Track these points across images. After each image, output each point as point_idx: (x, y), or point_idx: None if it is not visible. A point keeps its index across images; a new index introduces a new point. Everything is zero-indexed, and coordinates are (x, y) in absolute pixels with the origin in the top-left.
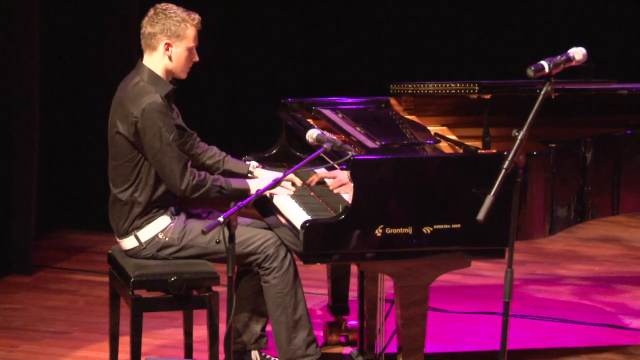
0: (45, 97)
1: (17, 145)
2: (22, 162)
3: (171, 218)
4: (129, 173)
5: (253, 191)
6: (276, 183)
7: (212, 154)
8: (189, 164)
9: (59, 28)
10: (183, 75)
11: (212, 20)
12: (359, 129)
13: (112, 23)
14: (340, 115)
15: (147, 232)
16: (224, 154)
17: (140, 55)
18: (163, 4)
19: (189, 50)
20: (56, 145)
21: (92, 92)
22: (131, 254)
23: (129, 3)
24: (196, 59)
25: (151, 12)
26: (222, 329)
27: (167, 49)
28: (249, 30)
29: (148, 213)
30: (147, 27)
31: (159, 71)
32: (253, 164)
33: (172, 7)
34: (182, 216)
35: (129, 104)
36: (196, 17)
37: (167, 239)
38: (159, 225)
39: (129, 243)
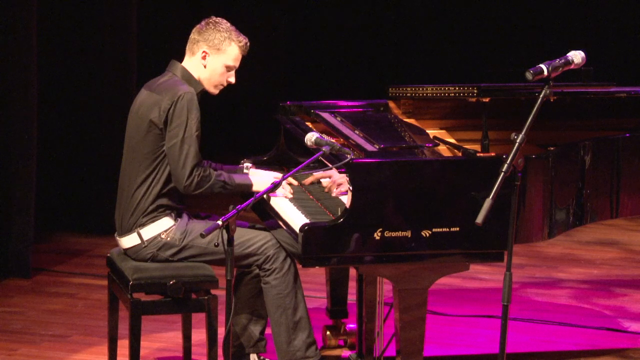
0: (43, 100)
1: (15, 148)
2: (20, 165)
3: (174, 220)
4: (147, 166)
5: (255, 188)
6: (275, 186)
7: (208, 164)
8: (201, 164)
9: (57, 29)
10: (214, 91)
11: None
12: (357, 132)
13: (111, 24)
14: (339, 119)
15: (150, 231)
16: (215, 164)
17: (138, 58)
18: (218, 18)
19: (227, 67)
20: (55, 149)
21: (92, 95)
22: (131, 253)
23: (127, 4)
24: (232, 80)
25: (204, 21)
26: (221, 332)
27: (204, 57)
28: (247, 32)
29: (153, 212)
30: (194, 34)
31: (193, 74)
32: (247, 165)
33: (225, 23)
34: (185, 217)
35: (163, 93)
36: (244, 39)
37: (169, 239)
38: (162, 226)
39: (130, 241)
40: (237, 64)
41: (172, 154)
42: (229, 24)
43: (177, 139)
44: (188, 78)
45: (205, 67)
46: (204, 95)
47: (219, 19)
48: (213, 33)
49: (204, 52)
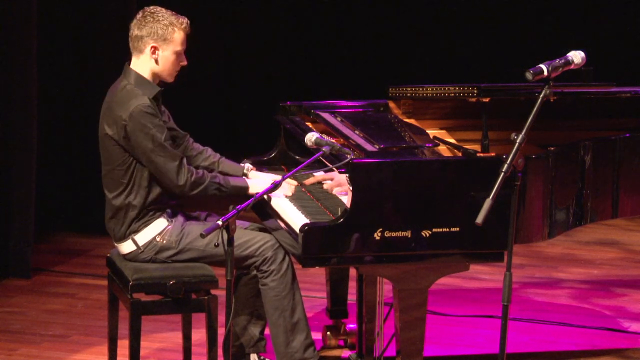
0: (43, 100)
1: (15, 148)
2: (20, 165)
3: (168, 220)
4: (122, 177)
5: (252, 190)
6: (275, 186)
7: (207, 155)
8: (184, 160)
9: (57, 30)
10: (170, 79)
11: (210, 23)
12: (357, 132)
13: (110, 25)
14: (339, 119)
15: (145, 236)
16: (218, 155)
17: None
18: (152, 7)
19: (177, 54)
20: (54, 149)
21: (90, 95)
22: (129, 257)
23: (127, 4)
24: (184, 62)
25: (139, 14)
26: (221, 332)
27: (154, 52)
28: (247, 33)
29: (144, 216)
30: (134, 30)
31: (146, 74)
32: (248, 166)
33: (161, 11)
34: (180, 218)
35: (117, 108)
36: (184, 20)
37: (164, 241)
38: (156, 228)
39: (127, 247)
40: (185, 47)
41: (153, 168)
42: (164, 10)
43: (148, 152)
44: (142, 83)
45: (157, 61)
46: (201, 98)
47: (153, 8)
48: (155, 25)
49: (152, 47)
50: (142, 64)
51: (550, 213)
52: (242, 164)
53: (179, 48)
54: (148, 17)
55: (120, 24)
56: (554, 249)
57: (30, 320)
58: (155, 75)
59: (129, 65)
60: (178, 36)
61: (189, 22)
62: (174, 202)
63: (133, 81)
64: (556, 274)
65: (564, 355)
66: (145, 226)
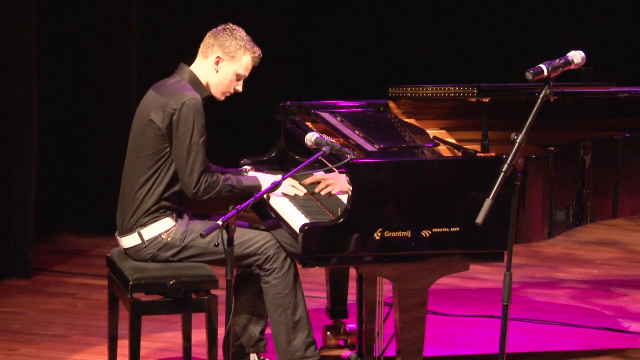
0: (43, 100)
1: (15, 148)
2: (20, 165)
3: (175, 220)
4: (149, 166)
5: (264, 186)
6: (275, 186)
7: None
8: (209, 169)
9: (57, 29)
10: (219, 97)
11: (210, 22)
12: (357, 132)
13: (110, 25)
14: (339, 119)
15: (151, 231)
16: (220, 168)
17: (138, 58)
18: (235, 25)
19: (237, 76)
20: (54, 149)
21: (90, 95)
22: (131, 252)
23: (127, 4)
24: (239, 88)
25: (221, 26)
26: (221, 332)
27: (217, 62)
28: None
29: (154, 212)
30: (210, 38)
31: (202, 79)
32: (245, 168)
33: (241, 32)
34: (185, 218)
35: (169, 97)
36: (258, 50)
37: (169, 239)
38: (163, 226)
39: (130, 240)
40: (247, 74)
41: (179, 161)
42: (244, 33)
43: (184, 146)
44: (195, 83)
45: (217, 72)
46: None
47: (235, 26)
48: (229, 39)
49: (217, 57)
50: (202, 69)
51: (550, 213)
52: (240, 169)
53: (241, 72)
54: (227, 30)
55: (120, 24)
56: (554, 249)
57: (30, 320)
58: (207, 84)
59: (187, 65)
60: (245, 60)
61: (261, 54)
62: (183, 207)
63: (187, 78)
64: (556, 274)
65: (564, 355)
66: (154, 222)
